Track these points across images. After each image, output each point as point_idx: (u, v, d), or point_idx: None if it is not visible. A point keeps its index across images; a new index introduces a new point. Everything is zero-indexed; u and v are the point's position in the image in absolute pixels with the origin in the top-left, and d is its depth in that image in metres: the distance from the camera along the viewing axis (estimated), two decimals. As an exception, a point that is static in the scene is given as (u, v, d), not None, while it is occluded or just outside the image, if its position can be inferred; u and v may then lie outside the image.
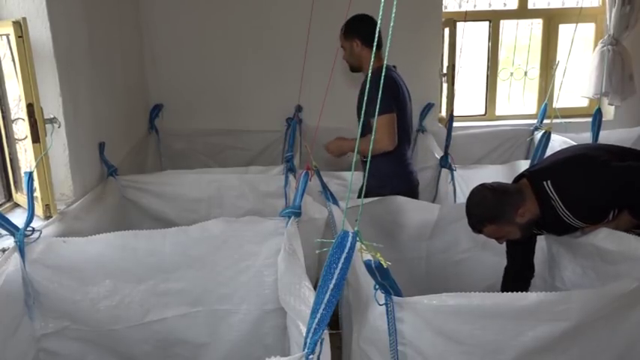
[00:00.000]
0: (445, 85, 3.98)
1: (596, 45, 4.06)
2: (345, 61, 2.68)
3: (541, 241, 2.27)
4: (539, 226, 2.09)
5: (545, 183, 1.95)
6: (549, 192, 1.94)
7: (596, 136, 3.00)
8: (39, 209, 2.11)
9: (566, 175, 1.97)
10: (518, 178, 2.08)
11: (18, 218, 2.03)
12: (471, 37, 4.13)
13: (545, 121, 3.76)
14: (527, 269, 2.23)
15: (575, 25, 2.95)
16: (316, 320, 1.14)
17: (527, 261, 2.22)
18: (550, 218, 1.98)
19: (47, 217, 2.13)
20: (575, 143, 3.25)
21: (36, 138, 2.05)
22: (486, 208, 1.96)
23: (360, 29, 2.54)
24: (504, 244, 2.18)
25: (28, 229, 1.84)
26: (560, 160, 2.07)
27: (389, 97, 2.45)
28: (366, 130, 2.50)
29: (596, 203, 1.92)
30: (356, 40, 2.54)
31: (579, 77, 4.17)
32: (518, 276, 2.23)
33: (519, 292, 1.50)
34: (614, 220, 1.96)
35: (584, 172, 1.95)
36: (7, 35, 2.04)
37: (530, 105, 4.42)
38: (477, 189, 2.02)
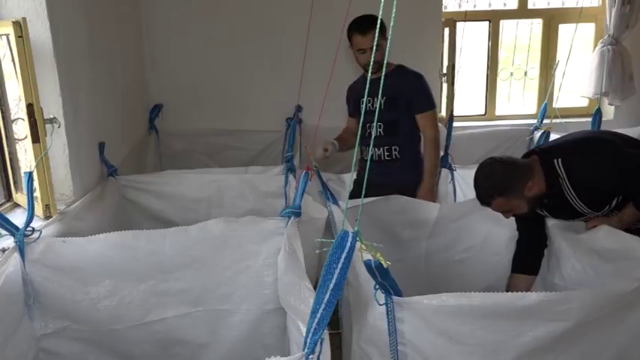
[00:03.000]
0: (445, 85, 3.98)
1: (596, 45, 4.06)
2: (363, 64, 2.66)
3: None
4: (543, 206, 2.09)
5: (555, 161, 1.95)
6: (558, 170, 1.94)
7: (596, 135, 2.99)
8: (39, 209, 2.11)
9: (578, 156, 1.97)
10: (528, 154, 2.08)
11: (18, 218, 2.03)
12: (471, 37, 4.13)
13: (545, 120, 3.76)
14: (540, 240, 2.22)
15: (575, 25, 2.96)
16: (316, 320, 1.14)
17: (540, 232, 2.21)
18: (555, 197, 1.99)
19: (47, 217, 2.13)
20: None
21: (36, 138, 2.05)
22: (496, 181, 1.95)
23: (385, 26, 2.53)
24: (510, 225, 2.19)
25: (28, 229, 1.84)
26: (574, 141, 2.08)
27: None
28: (407, 127, 2.71)
29: (601, 186, 1.92)
30: (386, 36, 2.51)
31: (579, 77, 4.17)
32: (531, 248, 2.23)
33: (519, 293, 1.50)
34: (618, 210, 1.96)
35: (595, 154, 1.96)
36: (7, 35, 2.04)
37: (530, 105, 4.42)
38: (487, 162, 2.02)
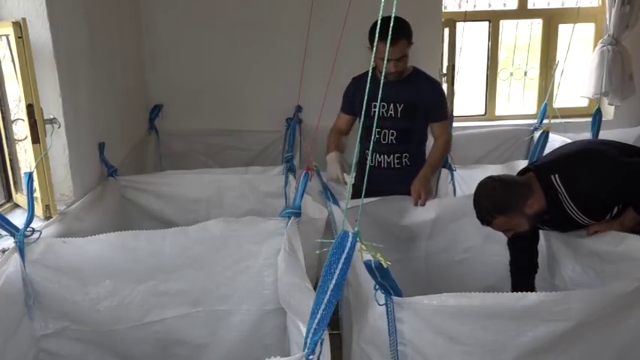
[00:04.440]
0: (445, 85, 3.98)
1: (595, 45, 4.07)
2: (386, 73, 2.40)
3: (541, 239, 2.27)
4: (544, 222, 2.09)
5: (553, 177, 1.95)
6: (557, 185, 1.94)
7: (595, 136, 3.00)
8: (39, 210, 2.11)
9: (575, 169, 1.97)
10: (524, 172, 2.08)
11: (18, 219, 2.03)
12: (471, 37, 4.13)
13: (545, 121, 3.76)
14: (530, 265, 2.22)
15: (573, 25, 2.96)
16: (316, 320, 1.14)
17: (530, 256, 2.22)
18: (556, 212, 1.99)
19: (47, 217, 2.13)
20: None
21: (36, 138, 2.05)
22: (496, 199, 1.94)
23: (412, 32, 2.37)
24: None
25: (28, 229, 1.84)
26: (569, 154, 2.08)
27: None
28: (419, 133, 2.61)
29: (601, 197, 1.93)
30: (411, 43, 2.36)
31: (579, 77, 4.17)
32: (522, 270, 2.23)
33: (519, 293, 1.50)
34: (619, 217, 1.96)
35: (591, 166, 1.96)
36: (7, 36, 2.04)
37: (530, 105, 4.42)
38: (485, 181, 2.01)
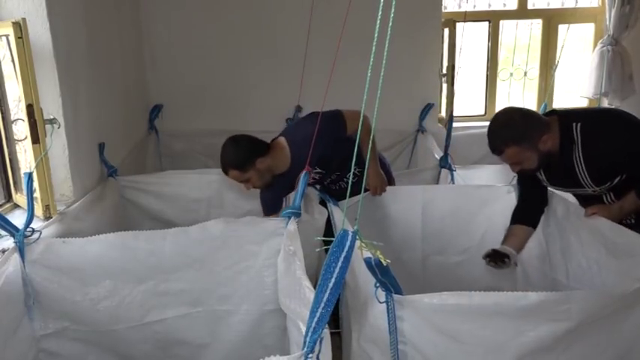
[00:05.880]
0: (445, 86, 3.98)
1: (595, 45, 4.07)
2: (254, 185, 2.39)
3: (539, 236, 2.28)
4: (547, 169, 2.09)
5: (574, 124, 1.95)
6: (575, 134, 1.94)
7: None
8: (39, 210, 2.11)
9: (597, 124, 1.97)
10: (548, 114, 2.08)
11: (18, 219, 2.03)
12: (471, 38, 4.13)
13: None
14: (542, 196, 2.24)
15: (575, 25, 2.96)
16: (315, 319, 1.13)
17: (542, 188, 2.23)
18: (561, 161, 1.99)
19: (47, 217, 2.13)
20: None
21: (36, 139, 2.05)
22: (513, 129, 1.94)
23: (253, 150, 2.36)
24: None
25: (28, 229, 1.83)
26: (596, 110, 2.13)
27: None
28: (348, 144, 2.33)
29: (611, 159, 1.92)
30: (259, 159, 2.33)
31: (579, 77, 4.17)
32: (532, 201, 2.25)
33: (520, 292, 1.50)
34: (618, 192, 1.97)
35: (613, 127, 1.96)
36: (7, 36, 2.04)
37: (529, 105, 4.42)
38: (505, 110, 2.02)
